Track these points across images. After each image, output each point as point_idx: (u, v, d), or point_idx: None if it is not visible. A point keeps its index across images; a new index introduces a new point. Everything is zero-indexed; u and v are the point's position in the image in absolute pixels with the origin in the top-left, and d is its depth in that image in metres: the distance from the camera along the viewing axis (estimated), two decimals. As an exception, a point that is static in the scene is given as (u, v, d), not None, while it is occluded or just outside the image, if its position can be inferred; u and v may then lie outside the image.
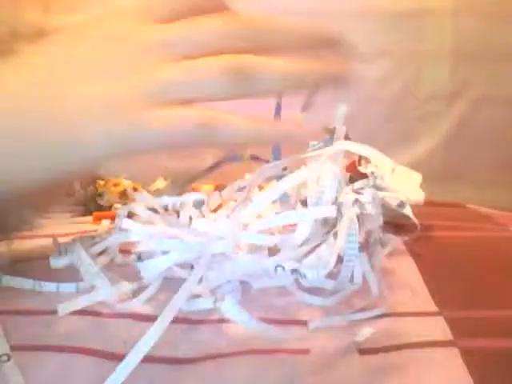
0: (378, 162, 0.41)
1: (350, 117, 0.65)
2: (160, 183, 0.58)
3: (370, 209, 0.32)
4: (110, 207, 0.57)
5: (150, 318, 0.30)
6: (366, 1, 0.64)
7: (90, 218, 0.53)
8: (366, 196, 0.35)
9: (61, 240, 0.42)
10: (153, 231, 0.36)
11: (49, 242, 0.40)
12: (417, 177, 0.50)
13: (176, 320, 0.29)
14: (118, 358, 0.27)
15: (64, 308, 0.31)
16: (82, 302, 0.32)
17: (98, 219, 0.50)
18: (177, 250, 0.33)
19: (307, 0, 0.64)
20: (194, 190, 0.52)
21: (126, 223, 0.37)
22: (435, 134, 0.65)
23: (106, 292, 0.33)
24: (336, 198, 0.35)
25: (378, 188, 0.38)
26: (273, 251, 0.34)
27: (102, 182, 0.58)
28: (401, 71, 0.64)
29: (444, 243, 0.38)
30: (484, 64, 0.64)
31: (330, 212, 0.33)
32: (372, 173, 0.39)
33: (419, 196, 0.47)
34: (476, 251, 0.39)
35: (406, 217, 0.38)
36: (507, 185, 0.64)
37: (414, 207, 0.40)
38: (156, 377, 0.28)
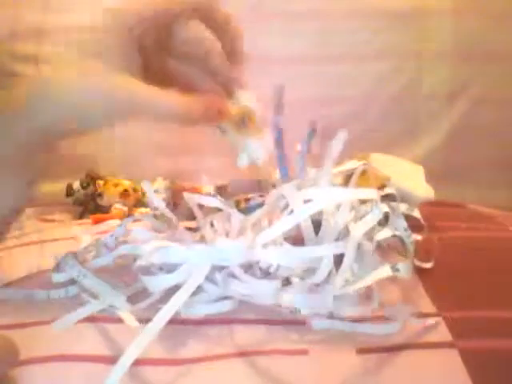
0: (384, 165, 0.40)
1: (350, 116, 0.66)
2: (160, 183, 0.58)
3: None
4: (109, 207, 0.57)
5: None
6: (367, 1, 0.64)
7: (89, 221, 0.52)
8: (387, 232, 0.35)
9: (59, 244, 0.42)
10: (161, 244, 0.35)
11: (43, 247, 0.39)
12: (419, 170, 0.50)
13: (177, 322, 0.29)
14: (112, 361, 0.26)
15: (57, 325, 0.30)
16: (76, 317, 0.31)
17: (96, 222, 0.50)
18: (184, 265, 0.32)
19: (307, 0, 0.64)
20: (195, 190, 0.52)
21: (137, 233, 0.37)
22: (435, 133, 0.65)
23: (103, 303, 0.32)
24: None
25: (391, 197, 0.38)
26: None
27: (101, 182, 0.58)
28: (401, 71, 0.64)
29: (444, 243, 0.38)
30: (484, 64, 0.64)
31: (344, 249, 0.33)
32: (389, 195, 0.39)
33: (429, 192, 0.47)
34: (476, 251, 0.39)
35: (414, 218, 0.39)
36: (507, 185, 0.64)
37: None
38: (156, 378, 0.28)
